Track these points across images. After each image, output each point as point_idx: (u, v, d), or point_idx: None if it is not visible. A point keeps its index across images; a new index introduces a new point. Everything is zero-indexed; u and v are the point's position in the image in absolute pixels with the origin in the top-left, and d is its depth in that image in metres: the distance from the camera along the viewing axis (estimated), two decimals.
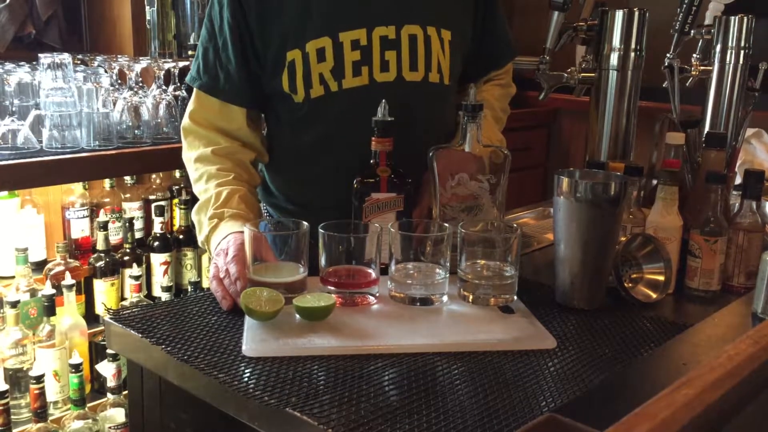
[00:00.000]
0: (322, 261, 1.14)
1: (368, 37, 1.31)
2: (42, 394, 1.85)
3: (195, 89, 1.40)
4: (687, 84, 1.60)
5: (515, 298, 1.16)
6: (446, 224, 1.16)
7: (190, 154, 1.41)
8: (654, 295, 1.20)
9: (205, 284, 2.52)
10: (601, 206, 1.13)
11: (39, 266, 2.14)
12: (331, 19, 1.31)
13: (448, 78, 1.39)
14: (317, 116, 1.35)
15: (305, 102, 1.33)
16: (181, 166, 2.60)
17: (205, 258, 2.53)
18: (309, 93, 1.32)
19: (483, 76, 1.51)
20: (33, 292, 2.01)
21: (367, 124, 1.24)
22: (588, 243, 1.15)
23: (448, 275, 1.14)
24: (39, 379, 1.83)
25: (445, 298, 1.15)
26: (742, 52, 1.49)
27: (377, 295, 1.15)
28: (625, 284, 1.19)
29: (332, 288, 1.13)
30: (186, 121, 1.41)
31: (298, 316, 1.07)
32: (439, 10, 1.38)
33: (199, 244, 1.36)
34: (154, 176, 2.57)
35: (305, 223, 1.14)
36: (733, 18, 1.49)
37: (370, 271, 1.14)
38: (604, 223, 1.15)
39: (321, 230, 1.13)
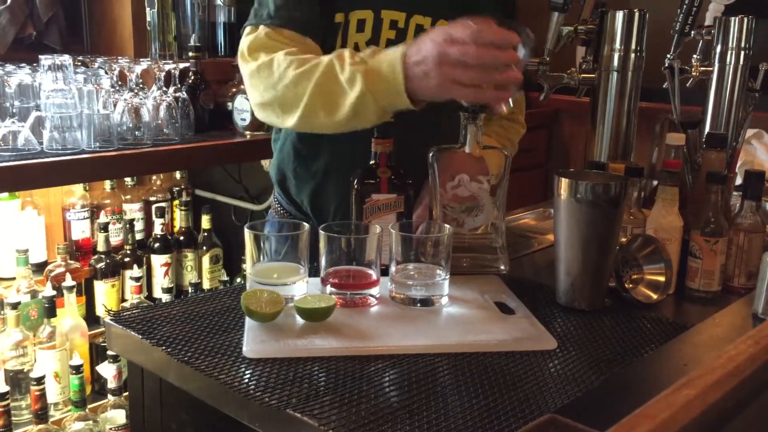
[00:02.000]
0: (323, 262, 1.14)
1: (406, 21, 1.36)
2: (43, 395, 1.85)
3: (259, 31, 1.31)
4: (687, 85, 1.60)
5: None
6: (447, 225, 1.16)
7: (258, 63, 1.27)
8: (654, 296, 1.20)
9: (206, 285, 2.53)
10: (601, 207, 1.13)
11: (39, 268, 2.14)
12: None
13: None
14: None
15: None
16: (183, 167, 2.62)
17: (205, 259, 2.54)
18: None
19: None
20: (33, 294, 2.01)
21: None
22: (588, 244, 1.15)
23: (448, 276, 1.14)
24: (39, 380, 1.84)
25: (445, 299, 1.15)
26: (742, 52, 1.49)
27: (378, 296, 1.15)
28: (626, 285, 1.19)
29: (333, 289, 1.13)
30: (244, 52, 1.31)
31: (298, 317, 1.07)
32: (468, 15, 1.41)
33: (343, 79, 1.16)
34: (154, 177, 2.58)
35: (305, 224, 1.14)
36: (733, 19, 1.49)
37: (370, 272, 1.14)
38: (605, 223, 1.14)
39: (321, 231, 1.13)
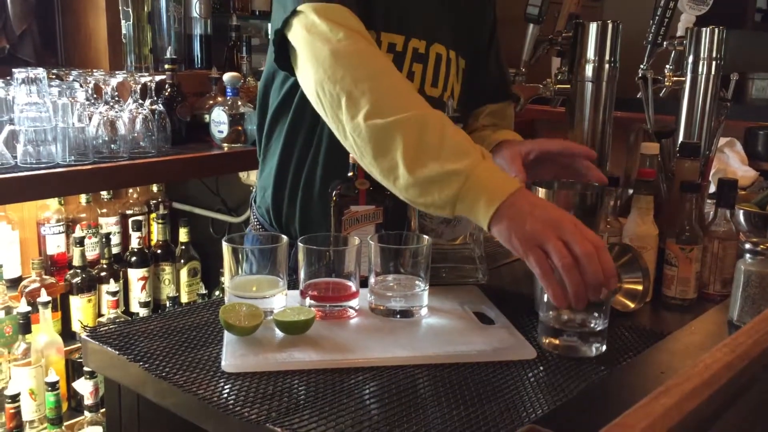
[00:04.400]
0: (302, 274, 1.13)
1: (404, 44, 1.34)
2: (18, 413, 1.82)
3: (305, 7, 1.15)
4: (661, 94, 1.61)
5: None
6: (425, 236, 1.16)
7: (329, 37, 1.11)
8: (632, 305, 1.21)
9: (184, 299, 2.51)
10: (577, 216, 1.14)
11: (14, 283, 2.12)
12: (378, 17, 1.32)
13: (456, 103, 1.42)
14: None
15: None
16: (160, 180, 2.60)
17: (183, 272, 2.51)
18: None
19: (473, 108, 1.52)
20: (8, 310, 1.98)
21: None
22: None
23: (428, 287, 1.15)
24: (15, 398, 1.81)
25: (424, 310, 1.15)
26: (713, 62, 1.51)
27: (357, 308, 1.15)
28: None
29: (312, 301, 1.13)
30: (317, 20, 1.14)
31: (277, 330, 1.06)
32: (461, 38, 1.43)
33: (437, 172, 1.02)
34: (131, 191, 2.56)
35: (284, 237, 1.14)
36: (704, 29, 1.51)
37: (349, 284, 1.14)
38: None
39: (300, 243, 1.12)
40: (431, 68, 1.37)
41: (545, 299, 1.04)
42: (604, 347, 1.05)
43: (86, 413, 2.01)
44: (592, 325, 1.03)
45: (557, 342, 1.04)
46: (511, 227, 0.99)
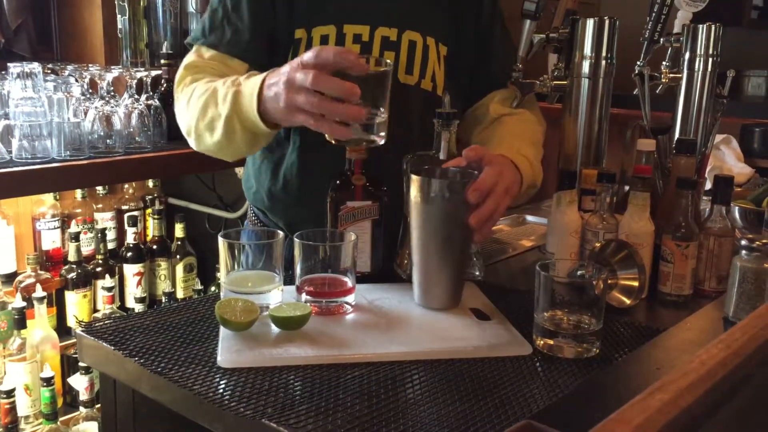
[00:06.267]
0: (298, 270, 1.13)
1: (371, 34, 1.35)
2: (13, 408, 1.82)
3: (196, 48, 1.37)
4: (657, 91, 1.61)
5: None
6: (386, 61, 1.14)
7: (187, 90, 1.31)
8: (628, 301, 1.21)
9: (180, 294, 2.50)
10: (433, 203, 1.10)
11: (9, 278, 2.11)
12: (340, 10, 1.34)
13: (442, 89, 1.41)
14: None
15: None
16: (156, 175, 2.59)
17: (179, 268, 2.51)
18: None
19: (479, 97, 1.52)
20: (3, 305, 1.98)
21: None
22: (429, 241, 1.12)
23: (387, 115, 1.11)
24: (9, 393, 1.81)
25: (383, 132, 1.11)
26: (710, 59, 1.51)
27: (353, 303, 1.15)
28: None
29: (308, 297, 1.13)
30: (180, 73, 1.36)
31: (273, 325, 1.06)
32: (440, 25, 1.42)
33: (223, 113, 1.19)
34: (126, 186, 2.55)
35: (280, 232, 1.14)
36: (701, 26, 1.51)
37: (345, 279, 1.14)
38: (441, 220, 1.10)
39: (296, 239, 1.12)
40: (404, 55, 1.37)
41: (540, 301, 1.04)
42: (599, 348, 1.05)
43: (81, 409, 2.01)
44: (586, 326, 1.03)
45: (552, 343, 1.04)
46: (274, 110, 1.11)
